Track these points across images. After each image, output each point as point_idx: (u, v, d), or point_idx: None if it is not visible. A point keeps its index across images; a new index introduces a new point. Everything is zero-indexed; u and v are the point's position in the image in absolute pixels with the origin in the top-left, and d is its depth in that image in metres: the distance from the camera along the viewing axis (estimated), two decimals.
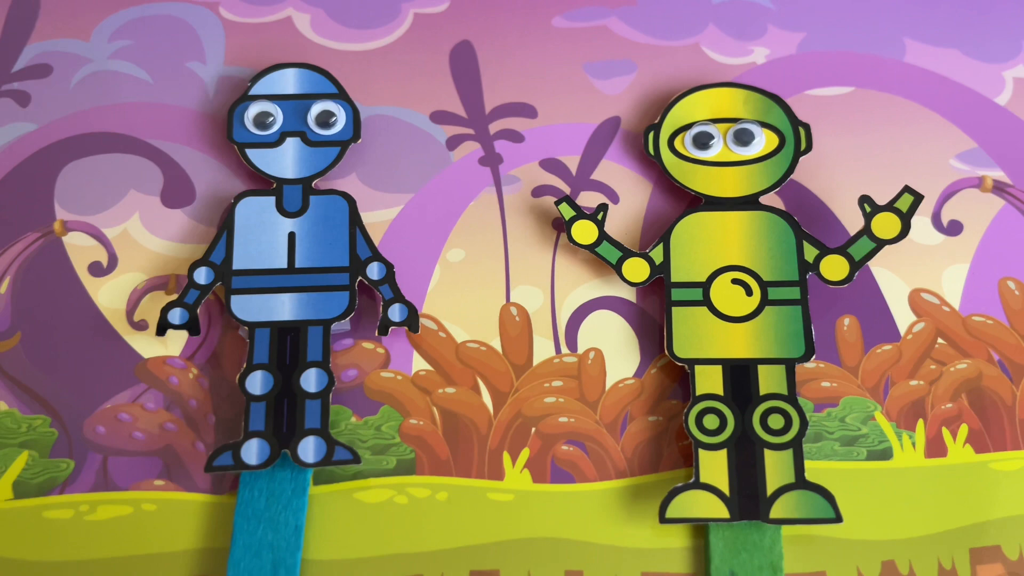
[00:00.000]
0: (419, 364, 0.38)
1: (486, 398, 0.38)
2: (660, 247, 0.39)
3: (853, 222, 0.40)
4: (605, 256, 0.39)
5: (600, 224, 0.39)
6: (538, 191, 0.42)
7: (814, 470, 0.37)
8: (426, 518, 0.36)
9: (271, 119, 0.40)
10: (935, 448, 0.37)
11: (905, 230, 0.38)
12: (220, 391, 0.38)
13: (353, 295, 0.38)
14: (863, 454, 0.37)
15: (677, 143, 0.40)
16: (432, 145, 0.42)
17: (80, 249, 0.40)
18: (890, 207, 0.38)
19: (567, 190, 0.41)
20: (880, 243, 0.38)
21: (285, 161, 0.40)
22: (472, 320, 0.39)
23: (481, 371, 0.38)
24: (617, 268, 0.38)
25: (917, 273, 0.40)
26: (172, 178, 0.41)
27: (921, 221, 0.41)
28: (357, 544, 0.36)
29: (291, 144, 0.40)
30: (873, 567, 0.35)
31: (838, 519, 0.34)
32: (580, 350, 0.39)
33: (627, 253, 0.39)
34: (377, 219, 0.41)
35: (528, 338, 0.39)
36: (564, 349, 0.39)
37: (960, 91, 0.44)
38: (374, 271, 0.38)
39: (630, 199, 0.41)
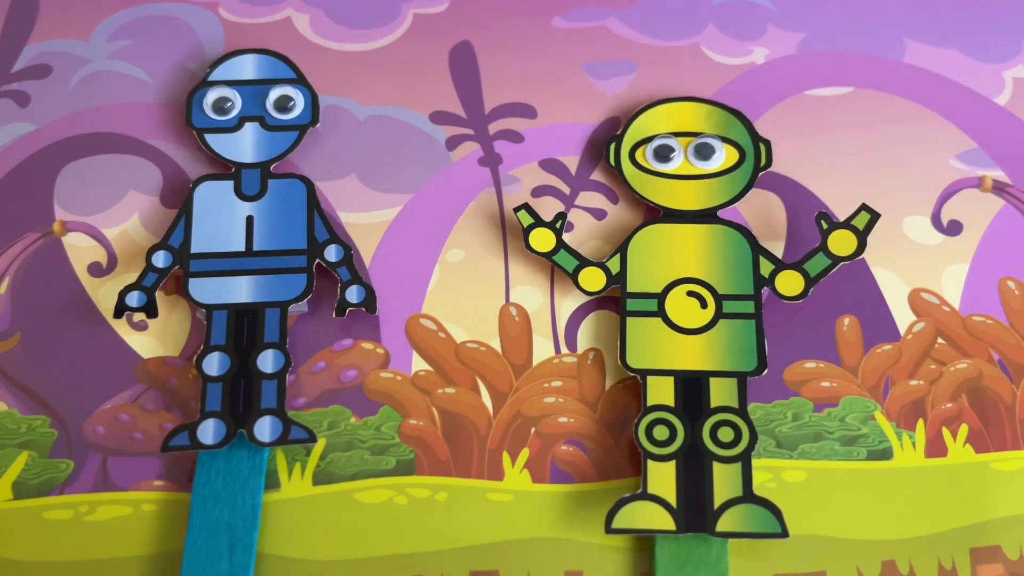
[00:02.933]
0: (419, 364, 0.38)
1: (486, 398, 0.38)
2: (617, 257, 0.39)
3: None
4: (562, 264, 0.39)
5: (558, 232, 0.39)
6: (538, 191, 0.42)
7: (814, 470, 0.37)
8: (426, 518, 0.36)
9: (229, 104, 0.41)
10: (935, 448, 0.37)
11: (861, 248, 0.38)
12: None
13: (311, 277, 0.38)
14: (863, 454, 0.37)
15: (638, 155, 0.41)
16: (432, 145, 0.42)
17: (80, 249, 0.40)
18: (847, 224, 0.38)
19: (567, 191, 0.41)
20: (836, 260, 0.38)
21: (244, 146, 0.40)
22: (472, 320, 0.39)
23: (481, 371, 0.38)
24: (573, 277, 0.38)
25: (917, 273, 0.40)
26: (171, 178, 0.41)
27: (921, 221, 0.41)
28: (357, 544, 0.36)
29: (249, 129, 0.41)
30: (873, 567, 0.35)
31: (784, 534, 0.34)
32: (580, 350, 0.39)
33: (584, 262, 0.39)
34: (377, 219, 0.41)
35: (528, 338, 0.39)
36: (564, 349, 0.39)
37: (960, 91, 0.44)
38: (331, 253, 0.38)
39: (629, 199, 0.41)
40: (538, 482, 0.37)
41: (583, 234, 0.41)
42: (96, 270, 0.40)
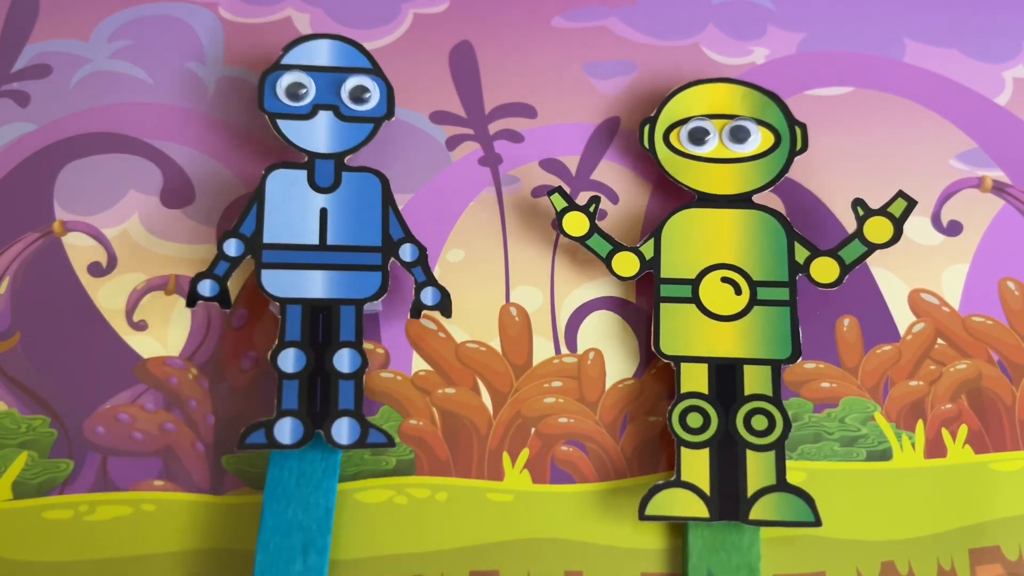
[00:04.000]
0: (419, 364, 0.38)
1: (486, 398, 0.38)
2: (651, 242, 0.38)
3: (851, 223, 0.40)
4: (595, 249, 0.38)
5: (592, 216, 0.39)
6: (538, 191, 0.42)
7: (814, 470, 0.37)
8: (426, 518, 0.36)
9: (304, 90, 0.39)
10: (935, 448, 0.37)
11: (897, 235, 0.37)
12: (219, 391, 0.38)
13: (386, 275, 0.37)
14: (863, 455, 0.37)
15: (672, 138, 0.40)
16: (432, 145, 0.42)
17: (80, 249, 0.40)
18: (883, 211, 0.38)
19: (567, 191, 0.41)
20: (872, 247, 0.37)
21: (317, 135, 0.39)
22: (472, 320, 0.39)
23: (481, 371, 0.38)
24: (607, 261, 0.38)
25: (917, 273, 0.40)
26: (172, 178, 0.41)
27: (921, 221, 0.41)
28: (357, 544, 0.36)
29: (323, 117, 0.39)
30: (873, 567, 0.35)
31: (817, 523, 0.34)
32: (580, 350, 0.39)
33: (617, 247, 0.38)
34: None
35: (528, 338, 0.39)
36: (564, 349, 0.39)
37: (960, 91, 0.44)
38: (407, 252, 0.38)
39: (629, 199, 0.41)
40: (538, 482, 0.37)
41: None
42: (96, 270, 0.40)
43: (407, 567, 0.35)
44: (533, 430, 0.37)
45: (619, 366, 0.38)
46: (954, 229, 0.41)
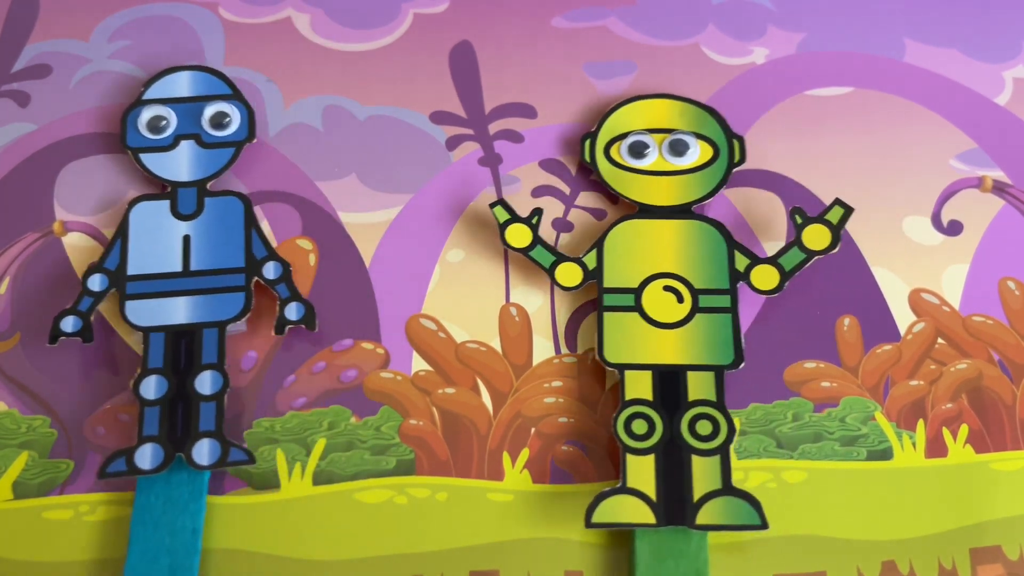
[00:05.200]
0: (419, 364, 0.38)
1: (486, 398, 0.38)
2: (593, 252, 0.39)
3: (852, 223, 0.40)
4: (538, 260, 0.39)
5: (534, 228, 0.39)
6: (538, 191, 0.42)
7: (814, 470, 0.37)
8: (426, 518, 0.36)
9: (164, 122, 0.40)
10: (935, 448, 0.37)
11: (835, 241, 0.38)
12: None
13: (249, 295, 0.38)
14: (863, 454, 0.37)
15: (613, 151, 0.41)
16: (432, 145, 0.42)
17: (80, 249, 0.40)
18: (821, 219, 0.38)
19: (567, 191, 0.41)
20: (810, 254, 0.38)
21: (179, 164, 0.40)
22: (472, 320, 0.39)
23: (481, 371, 0.38)
24: (550, 272, 0.38)
25: (917, 273, 0.40)
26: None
27: (921, 221, 0.41)
28: (357, 544, 0.36)
29: (185, 147, 0.40)
30: (873, 567, 0.35)
31: (764, 526, 0.34)
32: (580, 350, 0.39)
33: (560, 257, 0.39)
34: (377, 219, 0.41)
35: (528, 338, 0.39)
36: (564, 349, 0.39)
37: (960, 91, 0.44)
38: (270, 270, 0.38)
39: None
40: (538, 482, 0.37)
41: (583, 234, 0.41)
42: None
43: (407, 567, 0.35)
44: (533, 430, 0.37)
45: None
46: (954, 229, 0.41)
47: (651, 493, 0.34)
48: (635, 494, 0.34)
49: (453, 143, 0.42)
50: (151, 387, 0.36)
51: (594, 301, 0.39)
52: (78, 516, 0.36)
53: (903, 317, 0.39)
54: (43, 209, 0.41)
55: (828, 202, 0.41)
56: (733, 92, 0.43)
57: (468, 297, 0.40)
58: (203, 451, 0.35)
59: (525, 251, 0.39)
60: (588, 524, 0.34)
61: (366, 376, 0.38)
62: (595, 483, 0.37)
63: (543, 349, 0.39)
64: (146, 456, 0.35)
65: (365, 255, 0.40)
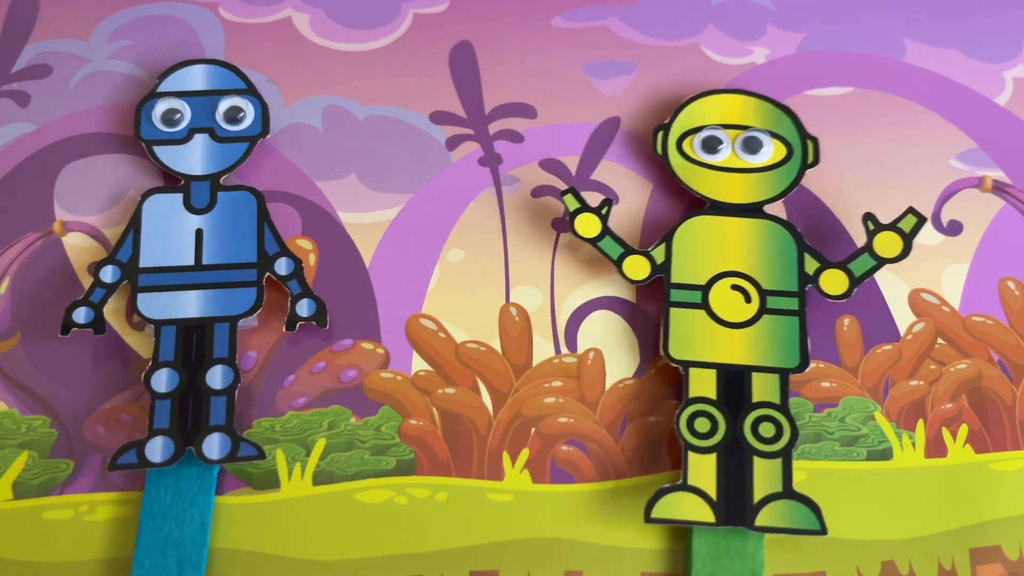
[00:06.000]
0: (419, 364, 0.38)
1: (486, 398, 0.38)
2: (662, 247, 0.38)
3: (852, 223, 0.40)
4: (607, 251, 0.38)
5: (604, 218, 0.39)
6: (538, 191, 0.42)
7: (814, 470, 0.37)
8: (426, 518, 0.36)
9: (178, 115, 0.40)
10: (935, 448, 0.37)
11: (907, 250, 0.38)
12: None
13: (260, 291, 0.38)
14: (863, 454, 0.37)
15: (685, 145, 0.40)
16: (432, 145, 0.42)
17: (80, 249, 0.40)
18: (893, 227, 0.38)
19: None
20: (881, 261, 0.38)
21: (193, 158, 0.40)
22: (472, 320, 0.39)
23: (481, 371, 0.38)
24: (618, 264, 0.38)
25: (917, 273, 0.40)
26: (171, 178, 0.41)
27: None
28: (357, 544, 0.36)
29: (199, 140, 0.40)
30: (873, 567, 0.35)
31: (823, 531, 0.34)
32: (580, 350, 0.39)
33: (629, 250, 0.38)
34: (377, 219, 0.41)
35: (528, 338, 0.39)
36: (564, 349, 0.39)
37: (960, 91, 0.44)
38: (282, 266, 0.38)
39: (630, 200, 0.41)
40: (538, 482, 0.37)
41: None
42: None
43: (407, 567, 0.35)
44: (533, 430, 0.37)
45: (619, 366, 0.38)
46: (954, 229, 0.41)
47: (711, 492, 0.34)
48: (695, 492, 0.34)
49: (453, 143, 0.42)
50: (162, 380, 0.36)
51: (595, 302, 0.40)
52: (78, 516, 0.36)
53: (903, 317, 0.39)
54: (43, 209, 0.41)
55: (828, 202, 0.41)
56: None
57: (468, 297, 0.40)
58: (213, 445, 0.35)
59: (594, 241, 0.38)
60: (648, 519, 0.34)
61: (366, 376, 0.38)
62: (595, 483, 0.37)
63: (543, 349, 0.39)
64: (156, 449, 0.35)
65: (365, 255, 0.40)
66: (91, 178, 0.41)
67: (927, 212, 0.41)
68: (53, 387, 0.38)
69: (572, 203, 0.39)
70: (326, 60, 0.44)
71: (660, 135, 0.41)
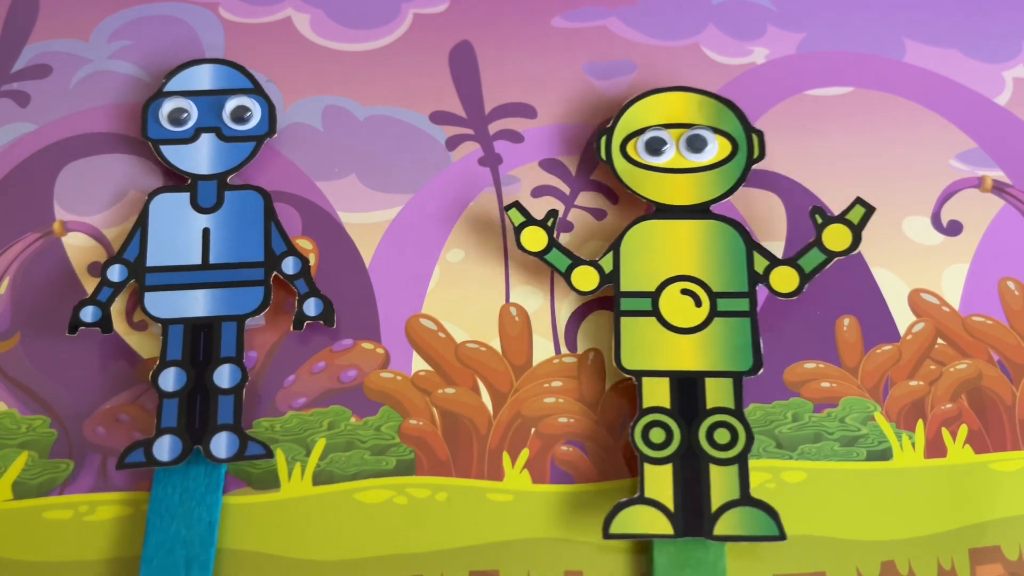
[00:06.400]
0: (419, 364, 0.38)
1: (486, 398, 0.38)
2: (610, 255, 0.38)
3: None
4: (554, 263, 0.38)
5: (550, 231, 0.38)
6: (538, 191, 0.42)
7: (814, 470, 0.37)
8: (426, 518, 0.36)
9: (185, 115, 0.40)
10: (935, 448, 0.37)
11: (856, 242, 0.37)
12: None
13: (268, 290, 0.38)
14: (863, 454, 0.37)
15: (629, 148, 0.40)
16: (432, 145, 0.42)
17: (80, 249, 0.40)
18: (841, 219, 0.38)
19: (567, 191, 0.41)
20: (831, 255, 0.37)
21: (200, 157, 0.40)
22: (472, 320, 0.39)
23: (481, 371, 0.38)
24: (566, 276, 0.38)
25: (917, 273, 0.40)
26: (172, 178, 0.41)
27: (921, 221, 0.41)
28: (357, 544, 0.36)
29: (206, 140, 0.40)
30: (873, 567, 0.35)
31: (781, 537, 0.33)
32: (580, 350, 0.39)
33: (576, 261, 0.38)
34: (377, 219, 0.41)
35: (528, 338, 0.39)
36: (564, 349, 0.39)
37: (960, 91, 0.44)
38: (289, 266, 0.38)
39: (629, 200, 0.41)
40: (538, 482, 0.37)
41: (583, 234, 0.41)
42: (96, 270, 0.40)
43: (407, 567, 0.35)
44: (533, 430, 0.37)
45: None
46: (954, 229, 0.41)
47: (669, 503, 0.34)
48: (653, 504, 0.34)
49: (453, 143, 0.42)
50: (170, 379, 0.36)
51: (595, 302, 0.40)
52: (78, 516, 0.36)
53: (903, 317, 0.39)
54: (43, 209, 0.41)
55: (828, 202, 0.41)
56: (733, 92, 0.43)
57: (468, 297, 0.40)
58: (221, 444, 0.35)
59: (540, 255, 0.38)
60: (606, 535, 0.34)
61: (366, 376, 0.38)
62: (595, 483, 0.37)
63: (543, 349, 0.39)
64: (164, 448, 0.35)
65: (365, 255, 0.40)
66: (91, 178, 0.41)
67: (927, 212, 0.41)
68: (53, 387, 0.38)
69: (517, 217, 0.38)
70: (326, 60, 0.44)
71: (603, 139, 0.40)
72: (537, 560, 0.36)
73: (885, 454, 0.37)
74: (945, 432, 0.37)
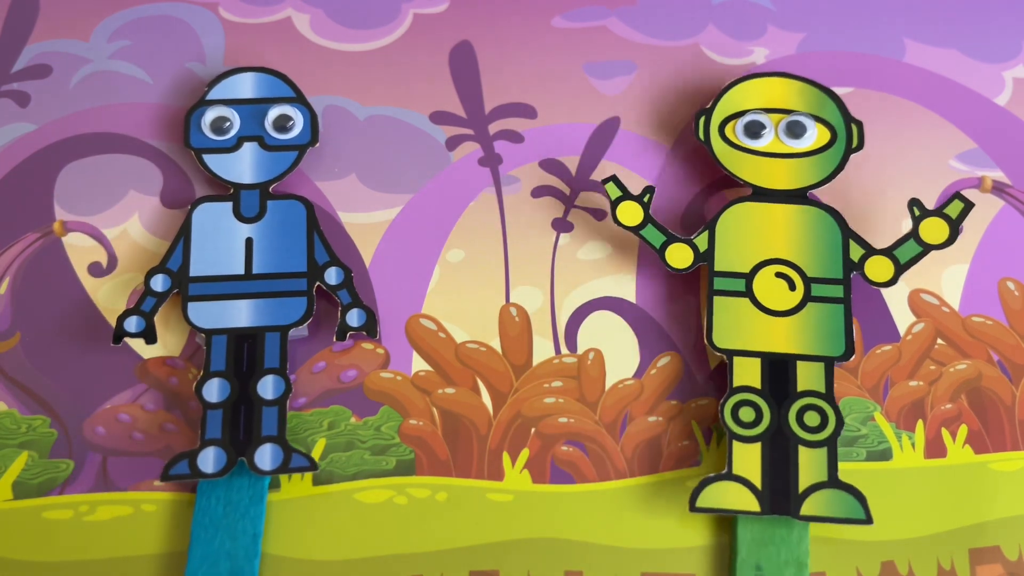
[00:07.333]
0: (419, 364, 0.38)
1: (486, 398, 0.38)
2: (705, 234, 0.38)
3: (852, 223, 0.40)
4: (649, 239, 0.38)
5: (646, 206, 0.38)
6: (538, 191, 0.42)
7: None
8: (426, 518, 0.36)
9: (228, 124, 0.40)
10: (935, 449, 0.37)
11: (953, 236, 0.37)
12: None
13: (311, 300, 0.37)
14: (863, 454, 0.37)
15: (728, 130, 0.40)
16: (432, 145, 0.42)
17: (80, 249, 0.40)
18: (939, 212, 0.37)
19: (567, 191, 0.41)
20: (927, 248, 0.37)
21: (242, 166, 0.40)
22: (472, 320, 0.39)
23: (481, 371, 0.38)
24: (660, 252, 0.38)
25: (917, 273, 0.40)
26: (171, 178, 0.41)
27: None
28: (357, 544, 0.36)
29: (248, 149, 0.40)
30: (873, 567, 0.35)
31: (868, 520, 0.34)
32: (580, 350, 0.39)
33: (672, 238, 0.38)
34: (377, 219, 0.41)
35: (528, 338, 0.39)
36: (564, 349, 0.39)
37: (960, 91, 0.44)
38: (332, 276, 0.38)
39: None
40: (538, 482, 0.37)
41: (583, 234, 0.41)
42: (96, 270, 0.40)
43: (407, 567, 0.35)
44: (533, 430, 0.37)
45: (619, 366, 0.38)
46: None
47: (756, 481, 0.34)
48: (740, 481, 0.34)
49: (453, 143, 0.42)
50: (214, 390, 0.36)
51: (595, 302, 0.40)
52: (78, 516, 0.36)
53: (903, 317, 0.39)
54: (43, 209, 0.41)
55: (828, 202, 0.41)
56: None
57: (468, 297, 0.40)
58: (266, 456, 0.35)
59: (636, 230, 0.38)
60: (692, 508, 0.34)
61: (366, 376, 0.38)
62: (595, 483, 0.37)
63: (543, 349, 0.39)
64: (209, 460, 0.35)
65: (365, 255, 0.40)
66: (91, 178, 0.41)
67: None
68: (53, 387, 0.38)
69: (614, 191, 0.38)
70: (326, 60, 0.44)
71: (702, 120, 0.40)
72: (537, 560, 0.36)
73: (885, 454, 0.37)
74: (945, 432, 0.37)
